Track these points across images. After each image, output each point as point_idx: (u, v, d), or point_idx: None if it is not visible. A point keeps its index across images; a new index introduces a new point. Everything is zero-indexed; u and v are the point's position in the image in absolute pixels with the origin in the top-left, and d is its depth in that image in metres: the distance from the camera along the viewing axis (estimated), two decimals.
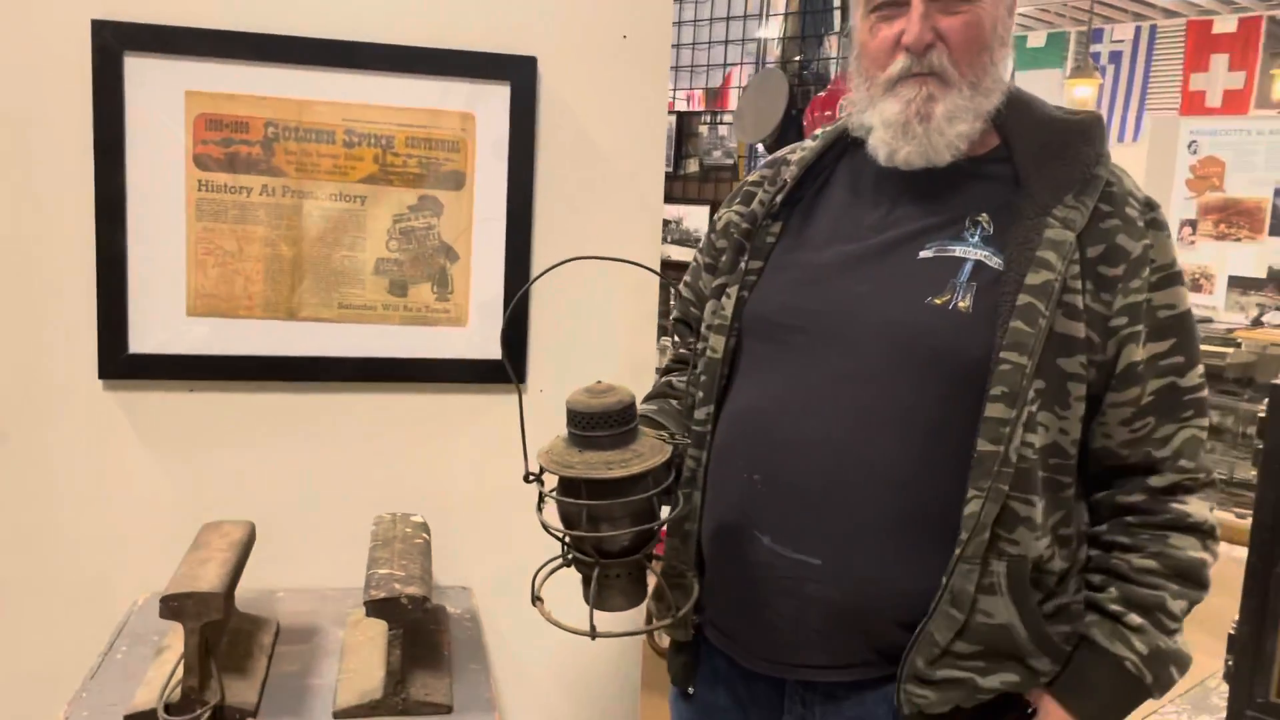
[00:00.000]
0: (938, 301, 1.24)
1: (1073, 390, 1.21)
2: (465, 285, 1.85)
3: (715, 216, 1.52)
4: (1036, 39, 10.14)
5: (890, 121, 1.27)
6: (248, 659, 1.52)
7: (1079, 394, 1.21)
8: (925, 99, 1.25)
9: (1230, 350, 5.73)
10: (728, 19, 4.27)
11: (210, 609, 1.36)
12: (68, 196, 1.70)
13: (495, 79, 1.82)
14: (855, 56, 1.34)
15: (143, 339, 1.75)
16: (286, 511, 1.83)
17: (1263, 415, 1.70)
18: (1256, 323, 6.15)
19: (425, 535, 1.65)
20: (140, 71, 1.69)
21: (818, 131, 1.46)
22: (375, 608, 1.41)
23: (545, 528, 1.21)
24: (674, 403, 1.46)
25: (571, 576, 1.25)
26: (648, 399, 1.49)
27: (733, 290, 1.36)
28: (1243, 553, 1.71)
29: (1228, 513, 5.14)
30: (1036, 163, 1.27)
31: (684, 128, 4.21)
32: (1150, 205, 1.28)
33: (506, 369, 1.68)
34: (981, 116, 1.28)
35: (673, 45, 2.02)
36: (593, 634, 1.18)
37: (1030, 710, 1.28)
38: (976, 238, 1.26)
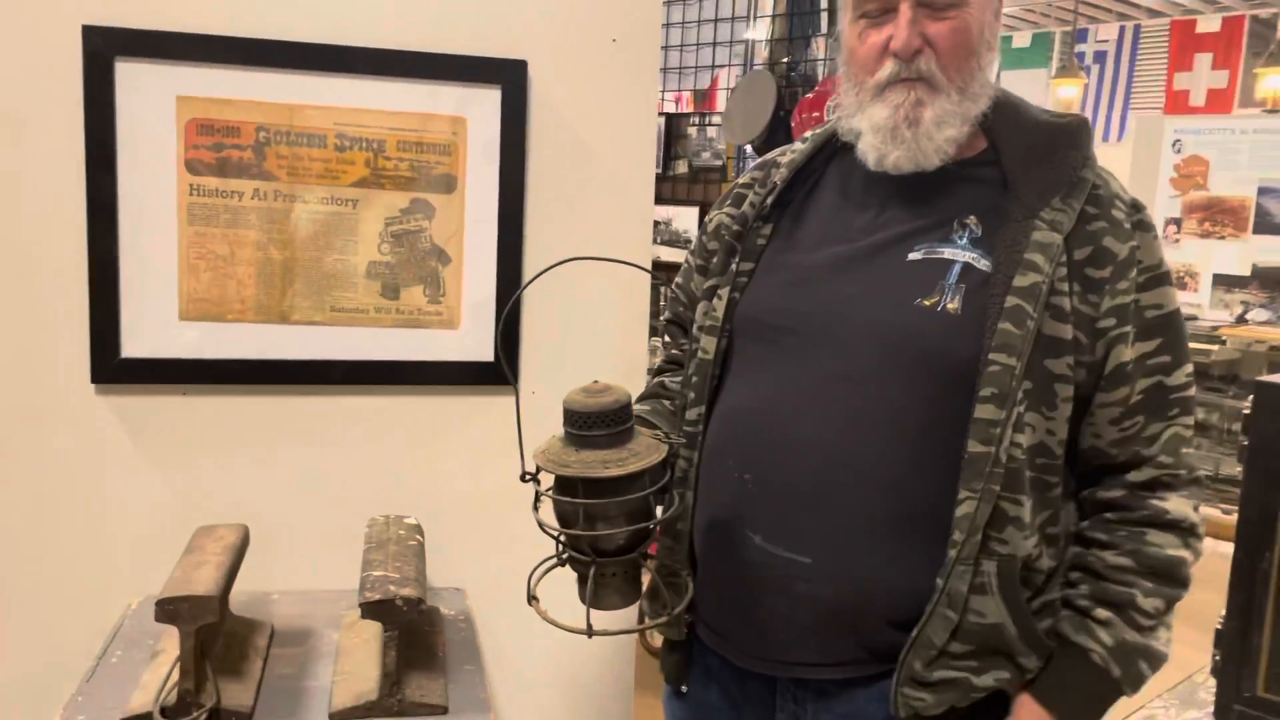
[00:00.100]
0: (927, 303, 1.25)
1: (1060, 391, 1.22)
2: (457, 288, 1.86)
3: (706, 218, 1.53)
4: (1021, 39, 10.19)
5: (879, 126, 1.28)
6: (243, 661, 1.53)
7: (1066, 395, 1.23)
8: (914, 104, 1.26)
9: (1215, 348, 5.77)
10: (715, 21, 4.29)
11: (206, 612, 1.37)
12: (60, 202, 1.70)
13: (486, 82, 1.83)
14: (844, 62, 1.35)
15: (135, 344, 1.75)
16: (280, 515, 1.84)
17: (1248, 411, 1.72)
18: (1241, 320, 6.20)
19: (419, 537, 1.65)
20: (131, 77, 1.70)
21: (807, 134, 1.47)
22: (370, 609, 1.42)
23: (542, 526, 1.22)
24: (667, 403, 1.47)
25: (566, 576, 1.26)
26: (641, 399, 1.50)
27: (724, 292, 1.37)
28: (1229, 548, 1.73)
29: (1214, 509, 5.18)
30: (1024, 166, 1.28)
31: (673, 129, 4.23)
32: (1136, 207, 1.29)
33: (503, 370, 1.69)
34: (969, 121, 1.29)
35: (661, 47, 2.03)
36: (589, 632, 1.19)
37: None
38: (965, 240, 1.28)
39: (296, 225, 1.79)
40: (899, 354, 1.24)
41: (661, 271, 1.59)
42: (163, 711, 1.37)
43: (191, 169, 1.74)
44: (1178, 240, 6.92)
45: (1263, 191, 6.72)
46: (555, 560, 1.26)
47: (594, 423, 1.18)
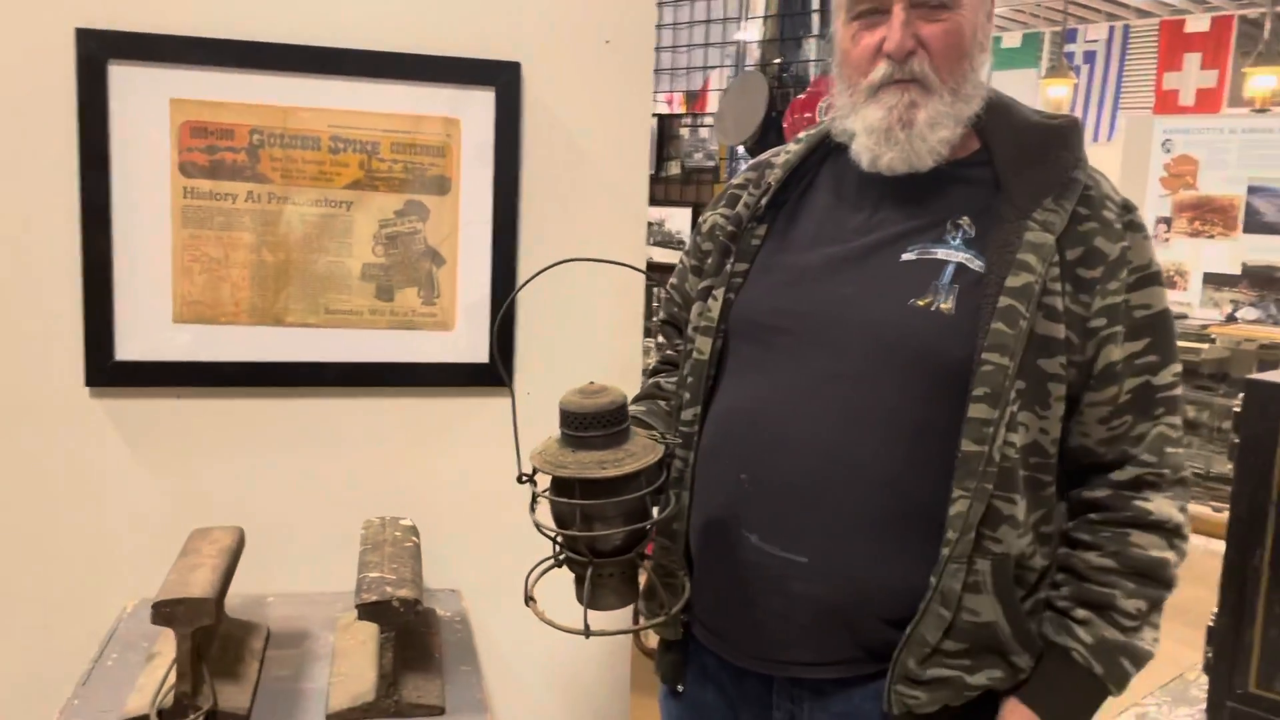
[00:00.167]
0: (920, 303, 1.26)
1: (1053, 390, 1.23)
2: (452, 289, 1.87)
3: (700, 219, 1.53)
4: (1012, 39, 10.22)
5: (873, 128, 1.29)
6: (239, 664, 1.53)
7: (1059, 394, 1.23)
8: (908, 106, 1.27)
9: (1205, 346, 5.80)
10: (707, 22, 4.30)
11: (202, 614, 1.37)
12: (53, 205, 1.70)
13: (480, 84, 1.83)
14: (837, 63, 1.35)
15: (129, 346, 1.75)
16: (274, 517, 1.84)
17: (1238, 409, 1.73)
18: (1230, 319, 6.23)
19: (415, 538, 1.66)
20: (125, 80, 1.70)
21: (801, 135, 1.48)
22: (367, 611, 1.42)
23: (539, 528, 1.22)
24: (662, 404, 1.48)
25: (562, 577, 1.26)
26: (636, 400, 1.51)
27: (719, 292, 1.38)
28: (1220, 546, 1.74)
29: (1205, 506, 5.20)
30: (1016, 167, 1.29)
31: (665, 130, 4.24)
32: (1127, 207, 1.30)
33: (499, 371, 1.69)
34: (962, 122, 1.30)
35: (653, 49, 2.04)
36: (586, 633, 1.19)
37: None
38: (958, 240, 1.28)
39: (290, 227, 1.79)
40: (893, 354, 1.25)
41: (655, 272, 1.59)
42: (159, 714, 1.37)
43: (185, 171, 1.74)
44: (1168, 239, 6.95)
45: (1252, 190, 6.75)
46: (552, 561, 1.26)
47: (590, 424, 1.19)
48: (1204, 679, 1.75)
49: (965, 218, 1.29)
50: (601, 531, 1.19)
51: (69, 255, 1.71)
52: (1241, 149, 6.83)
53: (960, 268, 1.26)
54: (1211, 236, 6.88)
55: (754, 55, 4.12)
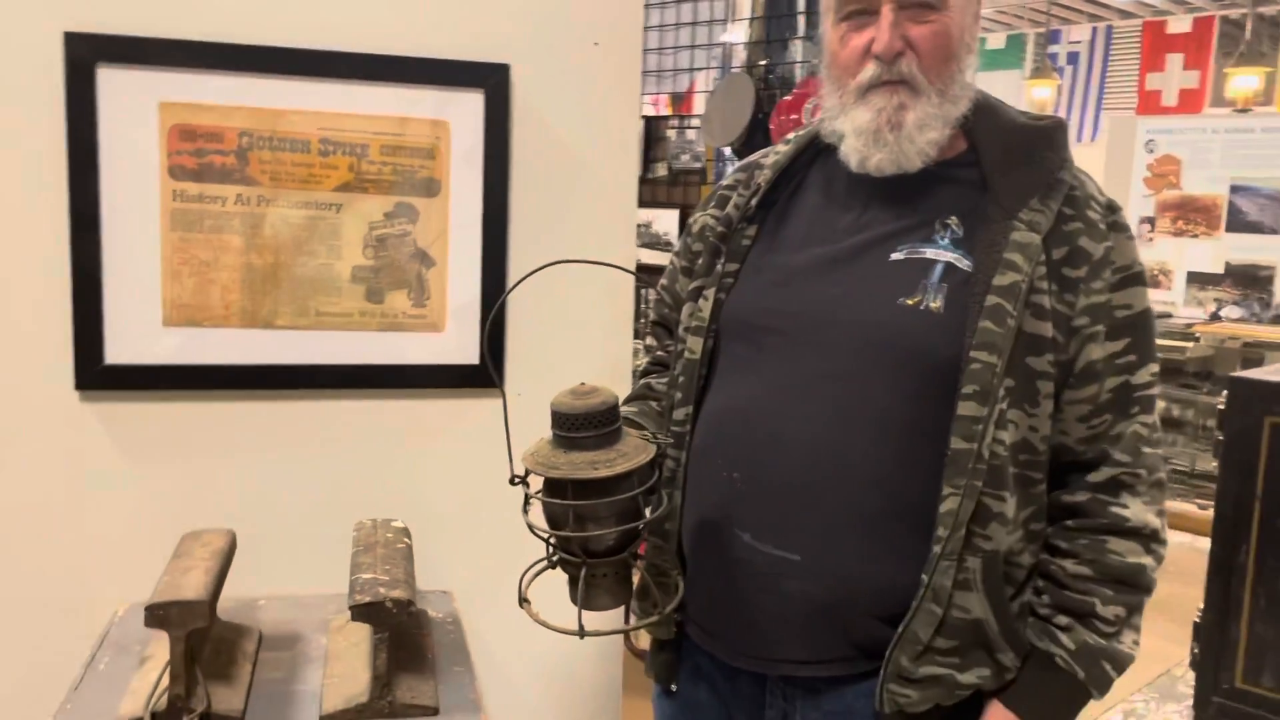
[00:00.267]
0: (910, 302, 1.27)
1: (1041, 388, 1.24)
2: (442, 291, 1.87)
3: (690, 220, 1.54)
4: (996, 40, 10.27)
5: (862, 129, 1.30)
6: (232, 666, 1.53)
7: (1047, 392, 1.25)
8: (896, 108, 1.28)
9: (1189, 344, 5.83)
10: (694, 24, 4.31)
11: (196, 616, 1.37)
12: (42, 208, 1.70)
13: (468, 87, 1.84)
14: (826, 64, 1.36)
15: (119, 350, 1.75)
16: (265, 520, 1.83)
17: (1222, 407, 1.74)
18: (1214, 317, 6.28)
19: (406, 540, 1.66)
20: (113, 83, 1.70)
21: (790, 136, 1.49)
22: (360, 612, 1.42)
23: (531, 529, 1.22)
24: (653, 404, 1.49)
25: (554, 578, 1.26)
26: (627, 401, 1.51)
27: (709, 293, 1.39)
28: (1206, 543, 1.76)
29: (1190, 504, 5.23)
30: (1003, 168, 1.30)
31: (651, 132, 4.24)
32: (1112, 208, 1.31)
33: (490, 373, 1.70)
34: (950, 123, 1.31)
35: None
36: (581, 633, 1.20)
37: None
38: (947, 240, 1.29)
39: (280, 230, 1.79)
40: (883, 353, 1.26)
41: (643, 274, 1.60)
42: (153, 717, 1.37)
43: (174, 174, 1.74)
44: (1151, 239, 7.00)
45: (1235, 190, 6.80)
46: (546, 563, 1.26)
47: (582, 424, 1.19)
48: (1191, 675, 1.76)
49: (953, 217, 1.30)
50: (594, 532, 1.19)
51: (58, 259, 1.71)
52: (1224, 149, 6.88)
53: (949, 267, 1.27)
54: (1195, 236, 6.93)
55: (740, 57, 4.13)
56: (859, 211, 1.35)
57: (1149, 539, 1.28)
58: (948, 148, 1.33)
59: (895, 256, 1.30)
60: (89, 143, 1.69)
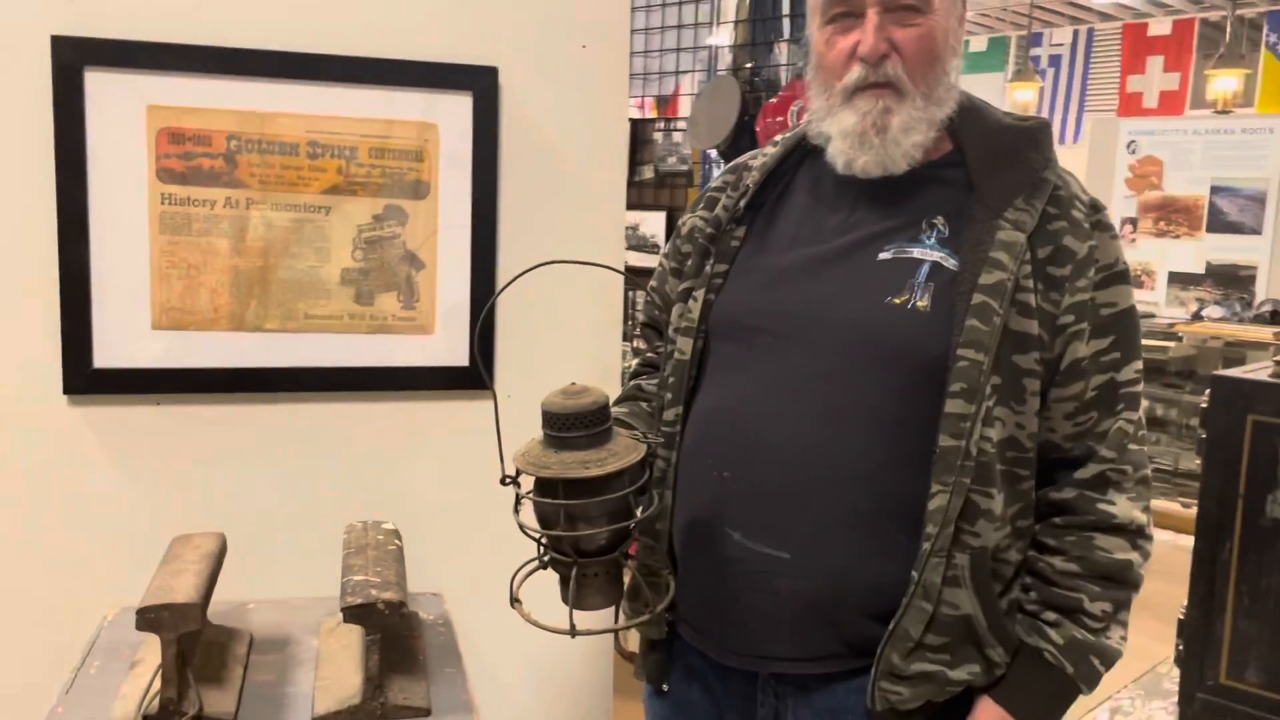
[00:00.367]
0: (897, 301, 1.28)
1: (1028, 386, 1.25)
2: (431, 293, 1.87)
3: (680, 222, 1.55)
4: (978, 43, 10.33)
5: (847, 132, 1.31)
6: (223, 669, 1.53)
7: (1034, 389, 1.26)
8: (882, 112, 1.29)
9: (1172, 344, 5.87)
10: (679, 27, 4.32)
11: (187, 619, 1.37)
12: (30, 212, 1.69)
13: (457, 89, 1.84)
14: (813, 67, 1.38)
15: (108, 354, 1.74)
16: (255, 523, 1.83)
17: (1205, 406, 1.76)
18: (1196, 317, 6.32)
19: (397, 542, 1.66)
20: (101, 86, 1.69)
21: (778, 138, 1.50)
22: (352, 613, 1.43)
23: (523, 529, 1.23)
24: (644, 405, 1.49)
25: (545, 578, 1.27)
26: (618, 402, 1.52)
27: (699, 293, 1.40)
28: (1189, 541, 1.77)
29: (1174, 502, 5.26)
30: (988, 168, 1.31)
31: (638, 135, 4.25)
32: (1095, 207, 1.33)
33: (480, 374, 1.70)
34: (936, 125, 1.32)
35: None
36: (572, 632, 1.20)
37: None
38: (933, 240, 1.31)
39: (269, 233, 1.79)
40: (871, 351, 1.27)
41: (630, 275, 1.61)
42: None
43: (162, 178, 1.74)
44: (1134, 239, 7.05)
45: (1215, 191, 6.86)
46: (537, 563, 1.27)
47: (573, 424, 1.20)
48: (1176, 671, 1.78)
49: (940, 217, 1.31)
50: (585, 531, 1.20)
51: (46, 263, 1.70)
52: (1204, 150, 6.94)
53: (935, 266, 1.28)
54: (1177, 236, 6.99)
55: (725, 60, 4.14)
56: (846, 212, 1.36)
57: (1135, 535, 1.29)
58: (934, 149, 1.34)
59: (883, 256, 1.31)
60: (77, 146, 1.69)
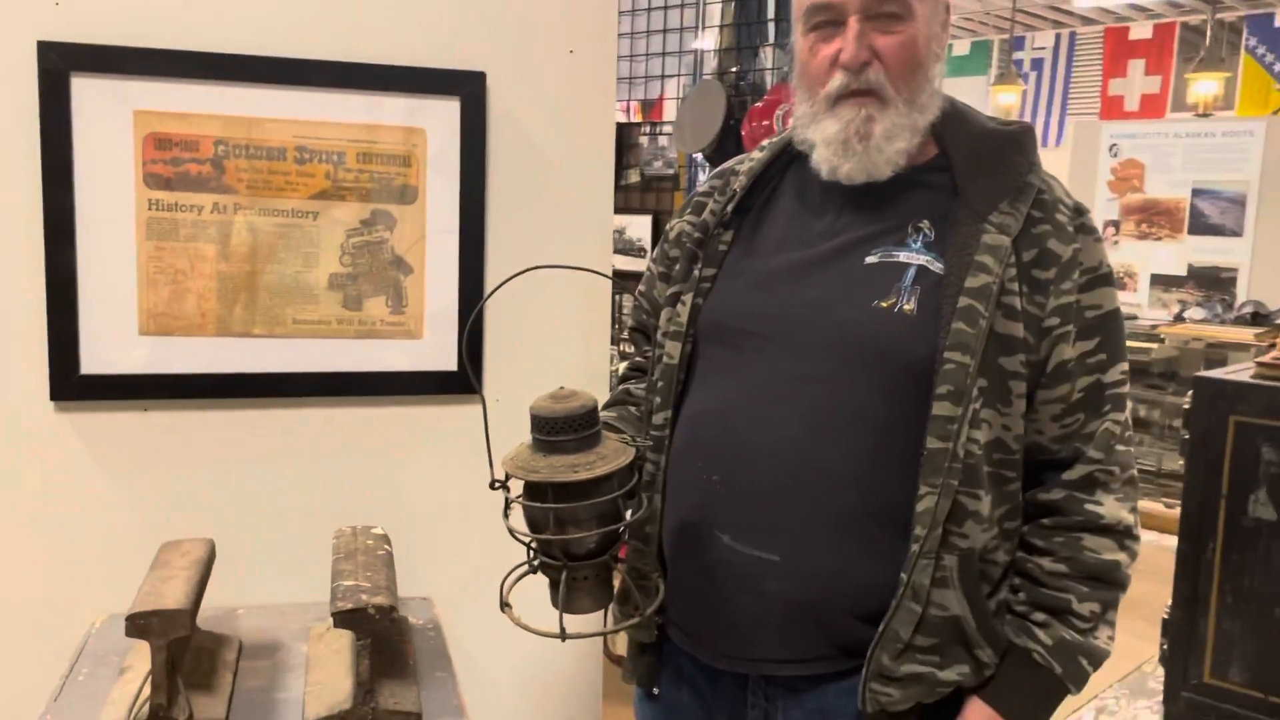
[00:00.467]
0: (884, 304, 1.29)
1: (1014, 388, 1.27)
2: (419, 298, 1.88)
3: (668, 226, 1.56)
4: (961, 47, 10.39)
5: (831, 140, 1.32)
6: (213, 676, 1.53)
7: (1020, 391, 1.27)
8: (864, 119, 1.30)
9: (1154, 346, 5.91)
10: (664, 31, 4.33)
11: (177, 626, 1.36)
12: (16, 218, 1.69)
13: (445, 94, 1.84)
14: (797, 74, 1.39)
15: (95, 360, 1.74)
16: (244, 529, 1.83)
17: (1187, 407, 1.78)
18: (1178, 319, 6.37)
19: (387, 546, 1.66)
20: (87, 92, 1.69)
21: (764, 142, 1.51)
22: (343, 619, 1.42)
23: (512, 533, 1.23)
24: (632, 409, 1.50)
25: (534, 582, 1.27)
26: (606, 406, 1.52)
27: (687, 297, 1.40)
28: (1173, 541, 1.79)
29: (1157, 503, 5.30)
30: (973, 172, 1.32)
31: (624, 139, 4.26)
32: (1079, 211, 1.34)
33: (468, 379, 1.71)
34: (919, 132, 1.33)
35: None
36: (562, 636, 1.21)
37: None
38: (919, 244, 1.32)
39: (256, 238, 1.79)
40: (859, 354, 1.28)
41: (617, 279, 1.62)
42: None
43: (149, 183, 1.74)
44: (1116, 242, 7.10)
45: (1196, 193, 6.91)
46: (527, 567, 1.27)
47: (561, 428, 1.20)
48: (1160, 671, 1.80)
49: (925, 221, 1.33)
50: (575, 535, 1.20)
51: (32, 268, 1.70)
52: (1186, 153, 6.98)
53: (921, 270, 1.29)
54: (1159, 239, 7.03)
55: (711, 64, 4.15)
56: (833, 216, 1.37)
57: (1123, 535, 1.30)
58: (919, 153, 1.36)
59: (869, 260, 1.32)
60: (63, 152, 1.68)
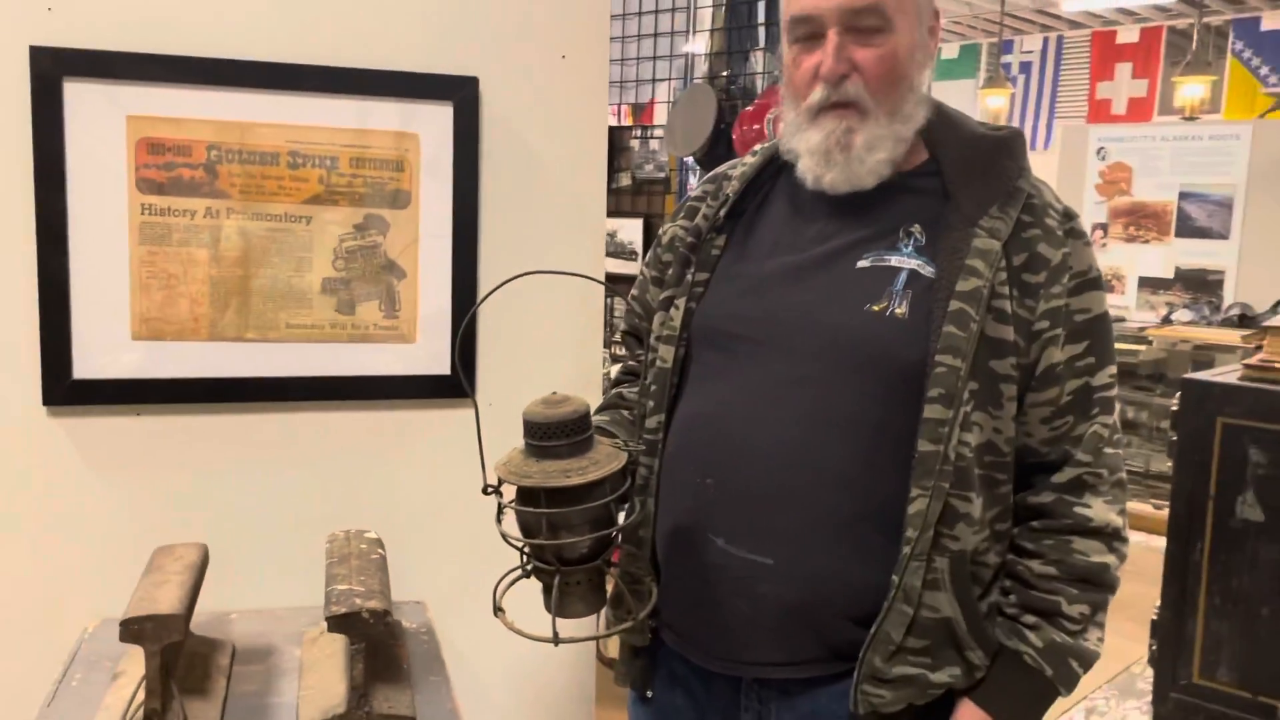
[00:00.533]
0: (875, 308, 1.30)
1: (1004, 391, 1.28)
2: (413, 302, 1.88)
3: (660, 231, 1.57)
4: (950, 50, 10.42)
5: (814, 150, 1.33)
6: (206, 680, 1.53)
7: (1010, 394, 1.28)
8: (845, 131, 1.31)
9: (1142, 348, 5.94)
10: (655, 35, 4.34)
11: (171, 630, 1.36)
12: (8, 223, 1.69)
13: (438, 99, 1.85)
14: (784, 83, 1.40)
15: (87, 364, 1.74)
16: (237, 533, 1.83)
17: (1175, 408, 1.79)
18: (1166, 321, 6.40)
19: (380, 551, 1.66)
20: (80, 97, 1.69)
21: (757, 147, 1.52)
22: (337, 623, 1.43)
23: (505, 538, 1.24)
24: (625, 413, 1.51)
25: (528, 587, 1.28)
26: (599, 410, 1.53)
27: (680, 302, 1.41)
28: (1161, 542, 1.81)
29: (1145, 504, 5.32)
30: (963, 177, 1.34)
31: (615, 142, 4.26)
32: (1069, 215, 1.35)
33: (462, 383, 1.71)
34: (903, 141, 1.34)
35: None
36: (555, 640, 1.21)
37: None
38: (910, 248, 1.33)
39: (249, 243, 1.79)
40: (850, 358, 1.29)
41: (609, 283, 1.62)
42: None
43: (142, 188, 1.74)
44: (1104, 245, 7.13)
45: (1183, 196, 6.94)
46: (520, 571, 1.28)
47: (554, 433, 1.21)
48: (1149, 672, 1.81)
49: (916, 226, 1.34)
50: (568, 539, 1.21)
51: (25, 273, 1.70)
52: (1173, 156, 7.01)
53: (913, 274, 1.30)
54: (1146, 241, 7.06)
55: (701, 68, 4.16)
56: (825, 221, 1.38)
57: (1111, 538, 1.32)
58: (909, 159, 1.37)
59: (861, 264, 1.33)
60: (56, 157, 1.68)
